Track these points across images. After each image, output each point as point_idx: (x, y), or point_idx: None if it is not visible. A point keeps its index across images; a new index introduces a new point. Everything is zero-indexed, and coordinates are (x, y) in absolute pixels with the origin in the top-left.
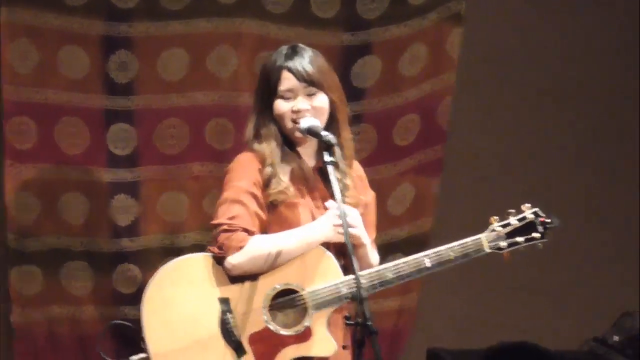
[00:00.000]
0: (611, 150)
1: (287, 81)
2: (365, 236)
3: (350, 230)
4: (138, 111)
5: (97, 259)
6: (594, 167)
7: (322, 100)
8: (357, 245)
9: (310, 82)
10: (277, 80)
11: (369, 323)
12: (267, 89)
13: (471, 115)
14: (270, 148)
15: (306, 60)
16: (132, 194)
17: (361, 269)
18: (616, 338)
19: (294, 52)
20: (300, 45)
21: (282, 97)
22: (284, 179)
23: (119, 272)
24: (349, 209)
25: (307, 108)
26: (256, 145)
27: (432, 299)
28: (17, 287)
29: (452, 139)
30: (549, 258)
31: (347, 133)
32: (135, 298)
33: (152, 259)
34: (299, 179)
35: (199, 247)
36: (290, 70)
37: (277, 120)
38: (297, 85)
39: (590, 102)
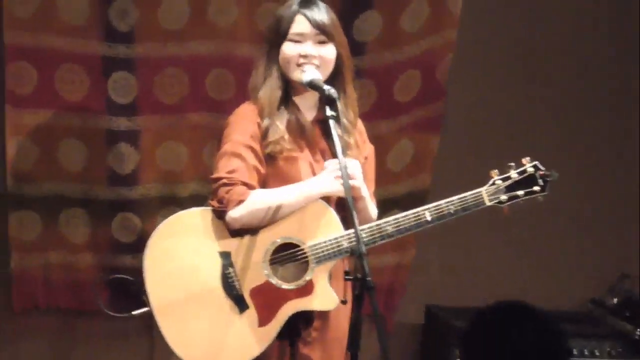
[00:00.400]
0: (612, 105)
1: (300, 25)
2: (365, 188)
3: (350, 182)
4: (138, 60)
5: (95, 207)
6: (594, 124)
7: (330, 52)
8: (357, 198)
9: (323, 31)
10: (289, 23)
11: (368, 278)
12: (277, 33)
13: (470, 72)
14: (270, 92)
15: (322, 10)
16: (131, 143)
17: (360, 221)
18: (614, 300)
19: (309, 1)
20: None
21: (292, 41)
22: (280, 127)
23: (118, 220)
24: (349, 161)
25: (314, 55)
26: (259, 92)
27: (430, 255)
28: (16, 233)
29: (451, 96)
30: (549, 216)
31: (351, 91)
32: (134, 247)
33: (151, 208)
34: (298, 131)
35: (198, 198)
36: (304, 14)
37: (282, 65)
38: (309, 30)
39: (594, 57)
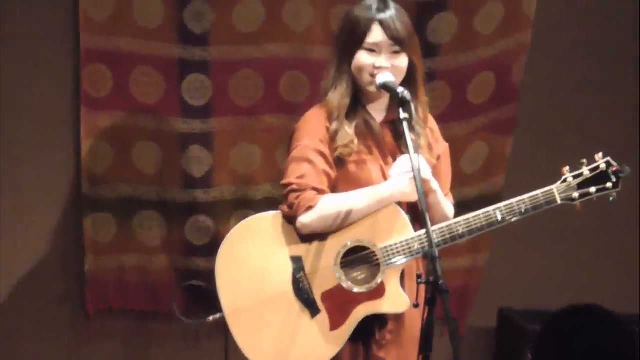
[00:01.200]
0: None
1: (376, 35)
2: (434, 181)
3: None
4: (213, 62)
5: (169, 209)
6: None
7: (403, 61)
8: (427, 192)
9: (398, 41)
10: (365, 31)
11: (441, 282)
12: (352, 39)
13: (543, 73)
14: (340, 98)
15: (397, 18)
16: (205, 145)
17: (434, 217)
18: None
19: (385, 7)
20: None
21: (367, 50)
22: (349, 132)
23: (191, 223)
24: (415, 158)
25: (388, 67)
26: (330, 95)
27: (504, 258)
28: (91, 235)
29: (524, 97)
30: (624, 219)
31: (423, 95)
32: (207, 249)
33: (225, 211)
34: (367, 134)
35: (271, 200)
36: (382, 24)
37: (355, 72)
38: (385, 41)
39: None
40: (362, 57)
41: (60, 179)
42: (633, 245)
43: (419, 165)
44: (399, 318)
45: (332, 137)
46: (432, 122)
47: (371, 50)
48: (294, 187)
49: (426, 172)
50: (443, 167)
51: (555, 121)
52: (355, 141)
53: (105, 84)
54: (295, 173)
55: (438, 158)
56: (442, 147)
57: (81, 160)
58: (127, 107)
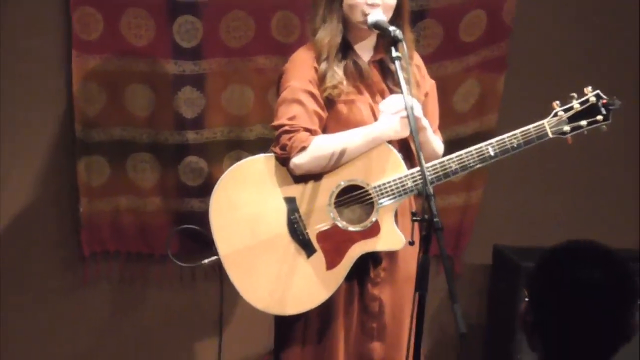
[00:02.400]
0: None
1: None
2: (424, 119)
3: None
4: (203, 3)
5: (162, 151)
6: None
7: None
8: (418, 129)
9: None
10: None
11: (436, 219)
12: None
13: (535, 11)
14: (330, 37)
15: None
16: (197, 87)
17: (425, 154)
18: None
19: None
20: None
21: None
22: (338, 72)
23: (184, 164)
24: (407, 98)
25: (380, 3)
26: (319, 34)
27: (498, 195)
28: (84, 178)
29: (516, 35)
30: (618, 156)
31: (409, 32)
32: (201, 190)
33: (218, 152)
34: (355, 74)
35: (264, 140)
36: None
37: (346, 10)
38: None
39: None
40: None
41: (52, 123)
42: (630, 181)
43: (412, 104)
44: (392, 256)
45: (321, 78)
46: (418, 59)
47: None
48: (286, 128)
49: (417, 111)
50: (430, 103)
51: (547, 59)
52: (345, 82)
53: (96, 26)
54: (286, 114)
55: (426, 95)
56: (429, 84)
57: (73, 103)
58: (118, 50)
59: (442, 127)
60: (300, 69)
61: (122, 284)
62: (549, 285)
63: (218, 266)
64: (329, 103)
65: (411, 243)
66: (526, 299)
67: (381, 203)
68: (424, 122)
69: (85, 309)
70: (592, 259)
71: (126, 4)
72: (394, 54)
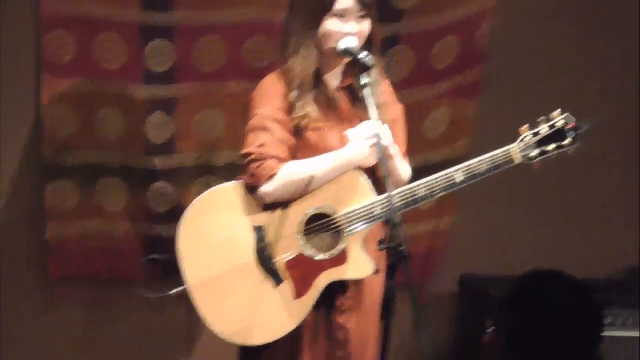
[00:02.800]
0: None
1: (344, 1)
2: (394, 146)
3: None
4: (176, 27)
5: (132, 176)
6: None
7: (367, 26)
8: (387, 156)
9: (364, 6)
10: None
11: (402, 247)
12: (320, 6)
13: (509, 37)
14: (304, 68)
15: None
16: (167, 111)
17: (393, 180)
18: None
19: None
20: None
21: (335, 16)
22: (309, 102)
23: (153, 189)
24: (377, 124)
25: (356, 32)
26: (292, 63)
27: (467, 223)
28: (53, 202)
29: (489, 62)
30: (585, 183)
31: (378, 58)
32: (169, 216)
33: (187, 177)
34: (325, 102)
35: (234, 166)
36: None
37: (322, 38)
38: (353, 6)
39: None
40: (331, 24)
41: (21, 146)
42: (598, 211)
43: (380, 131)
44: (358, 284)
45: (291, 107)
46: (386, 85)
47: (339, 16)
48: (254, 156)
49: (387, 138)
50: (399, 128)
51: (520, 85)
52: (315, 113)
53: (67, 50)
54: (254, 142)
55: (395, 120)
56: (398, 109)
57: (43, 127)
58: (89, 73)
59: (412, 154)
60: (269, 96)
61: (89, 308)
62: (516, 315)
63: (185, 294)
64: (298, 130)
65: (376, 272)
66: (492, 328)
67: (349, 230)
68: (393, 149)
69: (52, 333)
70: (561, 287)
71: (98, 27)
72: (364, 80)
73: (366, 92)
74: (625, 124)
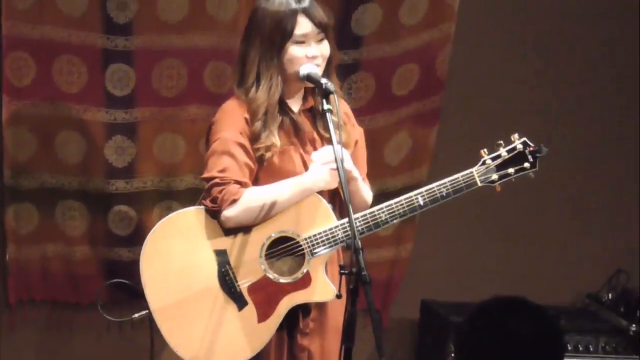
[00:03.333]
0: (612, 102)
1: (304, 25)
2: (355, 170)
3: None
4: (137, 52)
5: (92, 199)
6: (594, 116)
7: (327, 47)
8: (348, 180)
9: (323, 28)
10: (292, 24)
11: (364, 273)
12: (280, 34)
13: (468, 65)
14: (268, 95)
15: (314, 4)
16: (128, 135)
17: (355, 204)
18: (609, 295)
19: None
20: None
21: (296, 42)
22: (274, 132)
23: (114, 213)
24: (338, 148)
25: (318, 55)
26: (254, 94)
27: (426, 250)
28: (12, 225)
29: (448, 88)
30: (546, 210)
31: (336, 80)
32: (130, 240)
33: (148, 201)
34: (289, 127)
35: (195, 191)
36: (306, 13)
37: (286, 65)
38: (312, 30)
39: (595, 49)
40: (294, 50)
41: None
42: (559, 238)
43: (342, 156)
44: (321, 307)
45: (256, 136)
46: (346, 108)
47: (300, 42)
48: (217, 181)
49: (348, 163)
50: (360, 151)
51: (479, 112)
52: (279, 143)
53: (28, 72)
54: (216, 166)
55: (356, 143)
56: (358, 132)
57: (3, 149)
58: (50, 96)
59: (372, 180)
60: (231, 120)
61: (48, 332)
62: (477, 340)
63: (148, 318)
64: (262, 156)
65: (339, 296)
66: (452, 355)
67: (312, 254)
68: (355, 172)
69: (10, 356)
70: (522, 313)
71: (59, 50)
72: (325, 106)
73: (328, 117)
74: (575, 153)
